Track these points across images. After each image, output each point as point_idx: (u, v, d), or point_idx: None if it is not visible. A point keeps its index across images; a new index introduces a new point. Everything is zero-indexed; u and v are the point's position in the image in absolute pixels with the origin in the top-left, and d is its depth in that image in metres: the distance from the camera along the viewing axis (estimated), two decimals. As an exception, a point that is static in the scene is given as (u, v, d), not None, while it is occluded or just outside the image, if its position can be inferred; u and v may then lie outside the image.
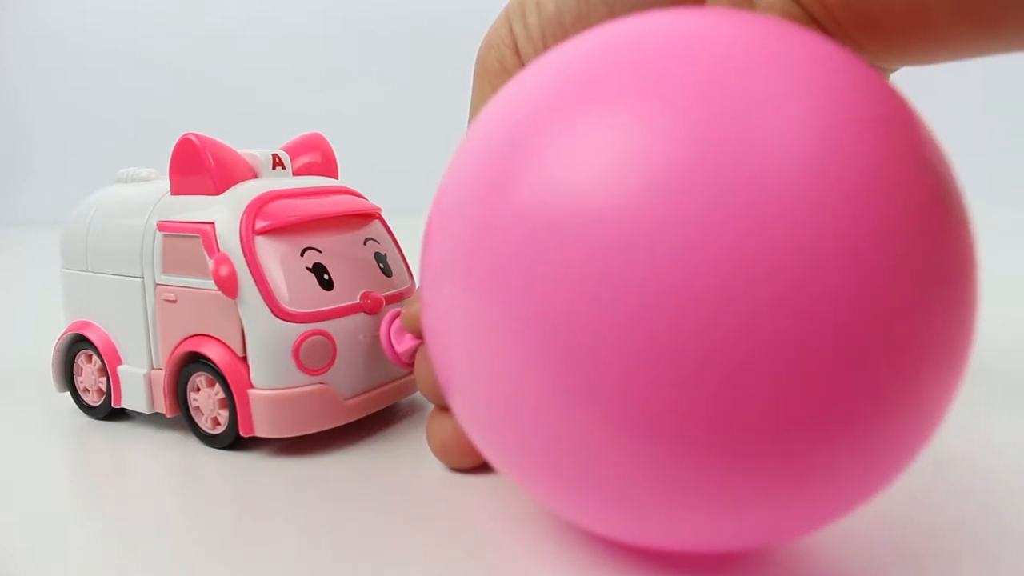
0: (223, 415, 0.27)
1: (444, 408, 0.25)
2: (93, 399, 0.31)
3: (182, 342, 0.27)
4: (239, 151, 0.29)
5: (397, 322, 0.27)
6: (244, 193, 0.27)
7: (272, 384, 0.26)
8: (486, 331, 0.16)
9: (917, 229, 0.14)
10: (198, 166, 0.27)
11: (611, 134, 0.15)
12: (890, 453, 0.15)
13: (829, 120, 0.14)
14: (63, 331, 0.31)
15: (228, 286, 0.26)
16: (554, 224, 0.15)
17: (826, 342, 0.13)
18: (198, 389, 0.27)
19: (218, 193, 0.27)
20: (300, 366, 0.26)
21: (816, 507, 0.16)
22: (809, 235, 0.13)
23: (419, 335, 0.26)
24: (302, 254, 0.27)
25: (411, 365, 0.27)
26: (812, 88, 0.15)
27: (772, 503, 0.15)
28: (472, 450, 0.24)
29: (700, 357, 0.13)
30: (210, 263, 0.26)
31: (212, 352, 0.26)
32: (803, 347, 0.13)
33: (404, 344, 0.26)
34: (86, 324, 0.30)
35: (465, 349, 0.17)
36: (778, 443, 0.14)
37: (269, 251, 0.26)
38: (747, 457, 0.14)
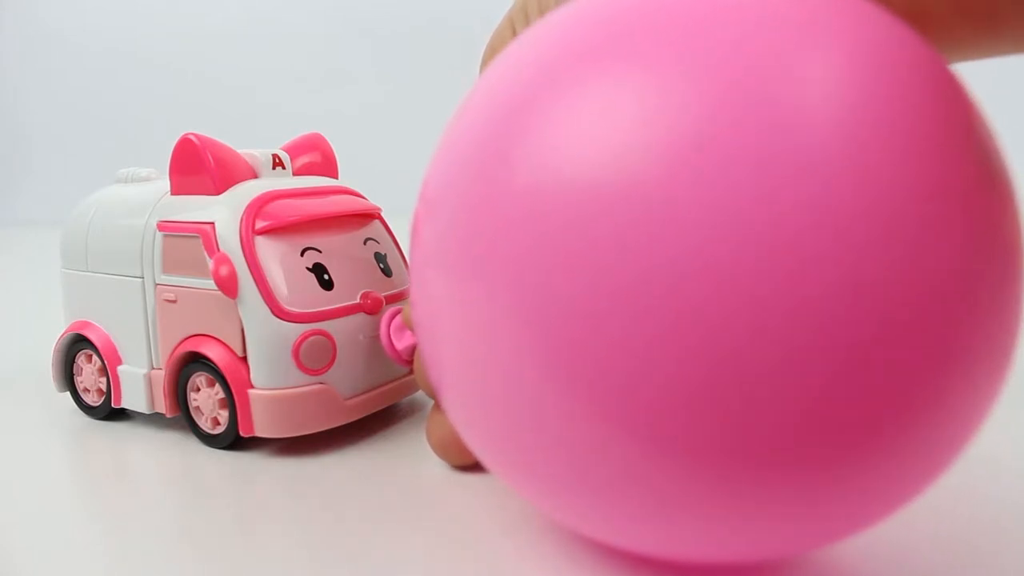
0: (223, 415, 0.27)
1: (444, 407, 0.25)
2: (93, 399, 0.31)
3: (182, 342, 0.27)
4: (239, 151, 0.29)
5: (397, 319, 0.27)
6: (244, 193, 0.27)
7: (272, 384, 0.26)
8: (480, 320, 0.15)
9: (965, 216, 0.13)
10: (198, 166, 0.27)
11: (619, 104, 0.13)
12: (923, 463, 0.14)
13: (872, 90, 0.13)
14: (63, 331, 0.31)
15: (228, 286, 0.26)
16: (555, 204, 0.13)
17: (862, 340, 0.12)
18: (198, 389, 0.27)
19: (218, 193, 0.27)
20: (300, 366, 0.26)
21: (833, 522, 0.15)
22: (844, 220, 0.12)
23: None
24: (302, 254, 0.27)
25: (411, 362, 0.27)
26: (857, 53, 0.13)
27: (782, 516, 0.14)
28: (471, 448, 0.24)
29: (714, 355, 0.12)
30: (210, 263, 0.26)
31: (212, 352, 0.26)
32: (832, 346, 0.12)
33: (404, 341, 0.26)
34: (86, 324, 0.30)
35: (458, 340, 0.16)
36: (798, 452, 0.13)
37: (269, 251, 0.26)
38: (760, 465, 0.13)
